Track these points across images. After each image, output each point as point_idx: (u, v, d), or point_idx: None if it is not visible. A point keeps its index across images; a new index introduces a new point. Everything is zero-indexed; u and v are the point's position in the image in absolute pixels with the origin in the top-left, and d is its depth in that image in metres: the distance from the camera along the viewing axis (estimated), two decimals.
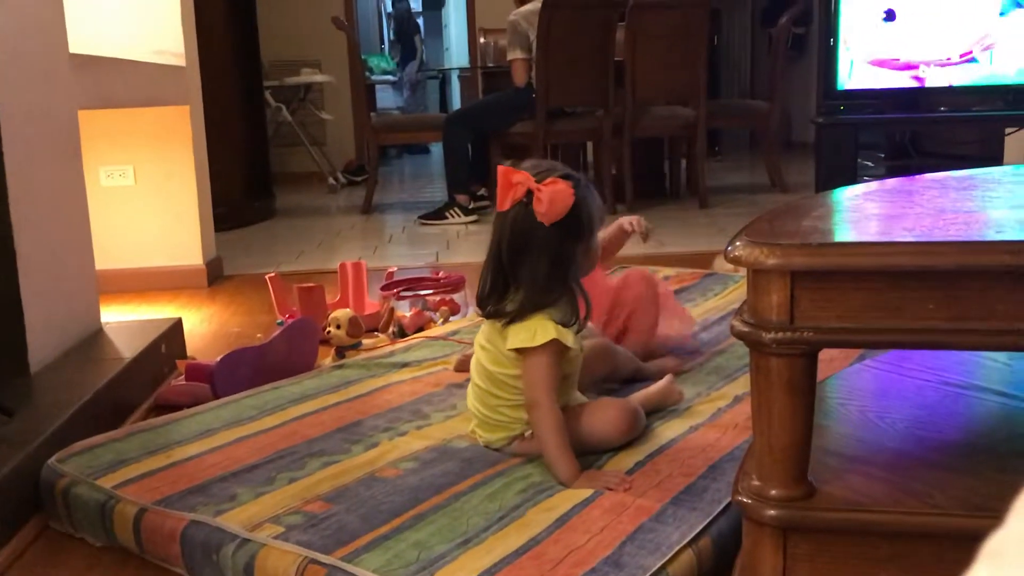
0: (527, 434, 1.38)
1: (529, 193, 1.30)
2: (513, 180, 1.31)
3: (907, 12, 3.40)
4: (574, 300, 1.35)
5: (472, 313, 2.45)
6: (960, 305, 0.86)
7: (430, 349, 2.02)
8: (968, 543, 0.35)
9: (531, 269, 1.32)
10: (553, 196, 1.29)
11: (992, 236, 0.88)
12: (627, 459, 1.36)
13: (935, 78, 3.42)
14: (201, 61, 3.34)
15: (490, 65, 5.44)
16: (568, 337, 1.32)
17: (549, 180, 1.30)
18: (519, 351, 1.33)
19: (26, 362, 1.74)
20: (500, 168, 1.33)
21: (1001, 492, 0.30)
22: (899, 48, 3.44)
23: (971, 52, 3.37)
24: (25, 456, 1.40)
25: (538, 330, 1.30)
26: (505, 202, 1.33)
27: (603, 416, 1.40)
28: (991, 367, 1.32)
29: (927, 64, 3.40)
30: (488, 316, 1.37)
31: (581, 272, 1.38)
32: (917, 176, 1.33)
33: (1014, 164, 3.98)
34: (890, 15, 3.41)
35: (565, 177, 1.32)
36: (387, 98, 10.07)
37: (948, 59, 3.38)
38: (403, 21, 10.41)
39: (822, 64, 3.61)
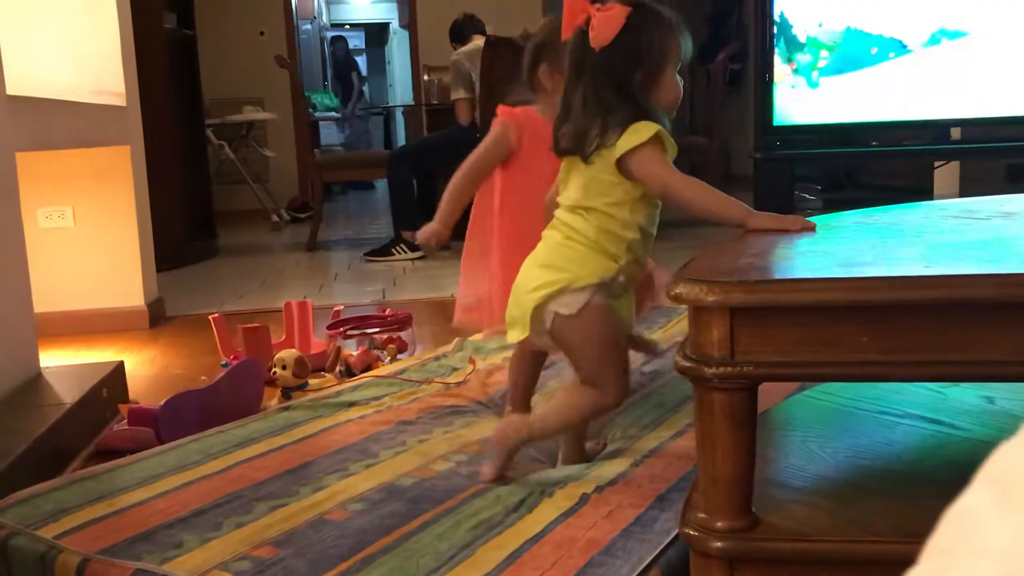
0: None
1: (589, 20, 1.30)
2: (575, 8, 1.31)
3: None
4: (660, 119, 1.32)
5: (420, 351, 2.45)
6: (892, 338, 0.89)
7: (378, 388, 2.01)
8: (905, 569, 0.37)
9: (596, 94, 1.30)
10: (604, 18, 1.28)
11: (919, 271, 0.92)
12: (577, 489, 1.37)
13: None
14: (142, 100, 3.31)
15: (434, 102, 5.48)
16: (669, 139, 1.31)
17: (608, 6, 1.29)
18: (625, 159, 1.29)
19: None
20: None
21: (935, 519, 0.32)
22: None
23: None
24: None
25: (640, 128, 1.29)
26: (568, 30, 1.32)
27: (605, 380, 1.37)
28: (925, 395, 1.36)
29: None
30: (565, 152, 1.34)
31: (657, 107, 1.34)
32: (849, 212, 1.38)
33: (942, 196, 4.11)
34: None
35: (629, 3, 1.30)
36: (331, 135, 10.07)
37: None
38: (339, 61, 10.49)
39: (758, 101, 3.71)
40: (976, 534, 0.29)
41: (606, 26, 1.28)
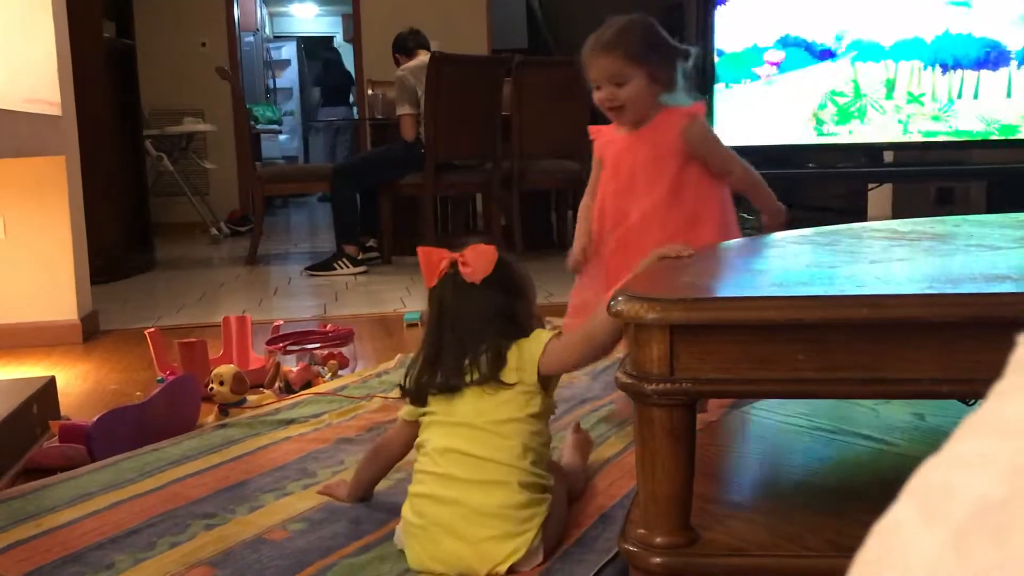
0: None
1: (454, 264, 1.29)
2: (435, 257, 1.31)
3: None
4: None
5: (361, 367, 2.43)
6: (827, 356, 0.91)
7: (317, 405, 1.99)
8: None
9: (482, 331, 1.27)
10: (476, 255, 1.28)
11: (853, 290, 0.94)
12: None
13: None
14: (78, 110, 3.24)
15: (379, 117, 5.46)
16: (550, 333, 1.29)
17: (468, 247, 1.31)
18: (541, 367, 1.25)
19: None
20: (419, 249, 1.31)
21: (867, 533, 0.33)
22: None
23: None
24: None
25: (531, 343, 1.26)
26: (433, 278, 1.31)
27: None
28: (859, 412, 1.39)
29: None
30: (450, 389, 1.26)
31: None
32: (786, 232, 1.40)
33: (875, 218, 4.22)
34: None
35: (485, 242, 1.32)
36: (272, 147, 9.97)
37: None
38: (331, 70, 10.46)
39: None
40: (902, 548, 0.30)
41: (481, 261, 1.28)
